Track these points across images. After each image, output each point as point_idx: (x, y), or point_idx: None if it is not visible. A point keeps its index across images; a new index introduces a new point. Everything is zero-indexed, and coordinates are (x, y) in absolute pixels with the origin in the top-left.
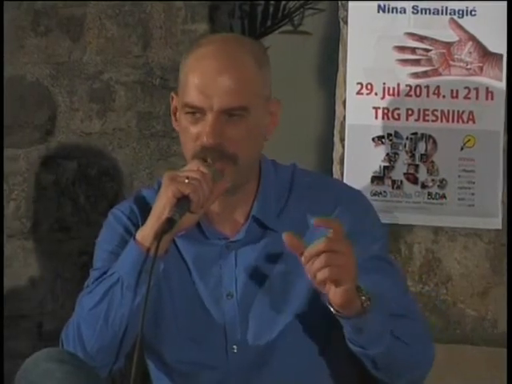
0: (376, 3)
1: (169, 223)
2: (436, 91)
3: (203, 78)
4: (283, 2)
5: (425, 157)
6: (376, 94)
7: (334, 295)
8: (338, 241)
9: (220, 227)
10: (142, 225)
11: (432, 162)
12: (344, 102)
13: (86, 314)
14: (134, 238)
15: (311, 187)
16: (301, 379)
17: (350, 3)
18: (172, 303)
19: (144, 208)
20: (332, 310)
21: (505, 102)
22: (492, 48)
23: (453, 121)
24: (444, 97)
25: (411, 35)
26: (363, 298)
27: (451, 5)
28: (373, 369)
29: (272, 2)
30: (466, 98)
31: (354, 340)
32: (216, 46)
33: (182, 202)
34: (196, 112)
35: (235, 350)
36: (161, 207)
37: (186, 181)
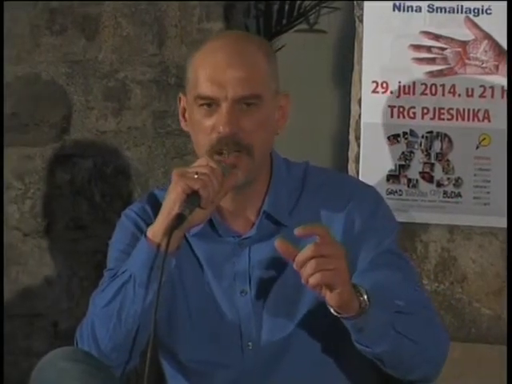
0: (392, 2)
1: (178, 219)
2: (451, 90)
3: (215, 69)
4: (298, 1)
5: (440, 155)
6: (391, 92)
7: (330, 298)
8: (326, 245)
9: (232, 224)
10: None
11: (447, 160)
12: (359, 101)
13: (99, 312)
14: (145, 236)
15: (324, 184)
16: (315, 375)
17: (366, 2)
18: (186, 302)
19: (157, 207)
20: (332, 311)
21: None
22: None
23: (468, 119)
24: (459, 95)
25: (427, 34)
26: (361, 298)
27: (467, 3)
28: (382, 366)
29: (287, 1)
30: (481, 96)
31: (357, 339)
32: (224, 40)
33: (192, 198)
34: (210, 103)
35: (250, 347)
36: (170, 203)
37: (196, 176)
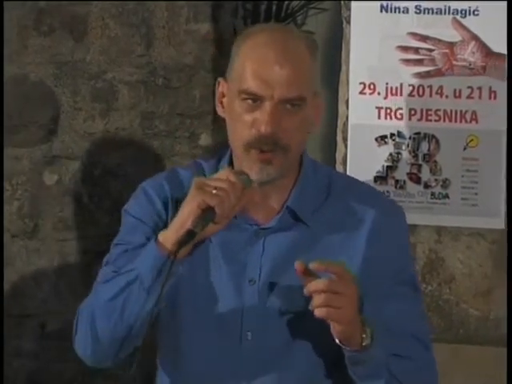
0: (379, 3)
1: (189, 235)
2: (439, 91)
3: (263, 66)
4: (286, 2)
5: (428, 156)
6: (379, 93)
7: (333, 329)
8: (340, 282)
9: (252, 213)
10: (172, 202)
11: (435, 161)
12: (347, 102)
13: (102, 305)
14: (156, 238)
15: (351, 191)
16: (315, 372)
17: (353, 3)
18: (192, 281)
19: (177, 187)
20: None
21: (507, 102)
22: (495, 48)
23: (456, 120)
24: (447, 96)
25: (414, 35)
26: (364, 335)
27: (454, 5)
28: None
29: (275, 2)
30: (469, 97)
31: (350, 369)
32: (273, 34)
33: (207, 214)
34: (254, 99)
35: (249, 337)
36: (185, 216)
37: (214, 191)
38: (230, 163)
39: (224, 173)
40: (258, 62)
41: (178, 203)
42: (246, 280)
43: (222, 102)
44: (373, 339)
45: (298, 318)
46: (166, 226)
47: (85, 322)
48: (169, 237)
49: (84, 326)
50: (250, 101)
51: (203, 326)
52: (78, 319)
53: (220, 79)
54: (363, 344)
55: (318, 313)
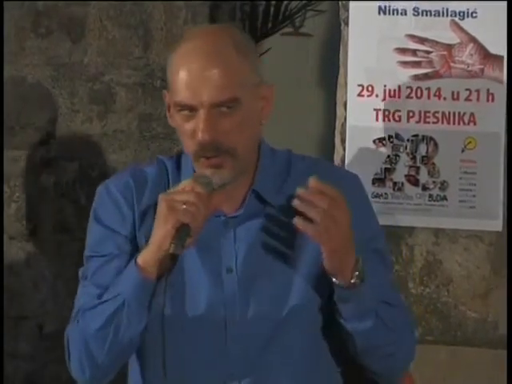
0: (377, 5)
1: (172, 260)
2: (437, 93)
3: (189, 75)
4: (284, 4)
5: (426, 159)
6: (377, 95)
7: (324, 256)
8: (337, 207)
9: (218, 205)
10: (137, 201)
11: (433, 163)
12: (345, 104)
13: (93, 333)
14: (136, 261)
15: (309, 168)
16: (301, 360)
17: (351, 4)
18: (170, 281)
19: (141, 184)
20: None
21: (506, 104)
22: (493, 50)
23: (454, 123)
24: (445, 99)
25: (412, 37)
26: (356, 273)
27: (452, 6)
28: (354, 350)
29: (273, 3)
30: (467, 99)
31: (340, 309)
32: (198, 41)
33: (182, 231)
34: (190, 109)
35: (233, 326)
36: (161, 237)
37: (184, 207)
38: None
39: (189, 184)
40: (184, 73)
41: (143, 201)
42: (223, 270)
43: (170, 112)
44: (363, 280)
45: (279, 303)
46: (134, 227)
47: (78, 350)
48: (148, 260)
49: (78, 352)
50: (186, 111)
51: (186, 320)
52: (69, 344)
53: (165, 91)
54: (352, 281)
55: (311, 230)
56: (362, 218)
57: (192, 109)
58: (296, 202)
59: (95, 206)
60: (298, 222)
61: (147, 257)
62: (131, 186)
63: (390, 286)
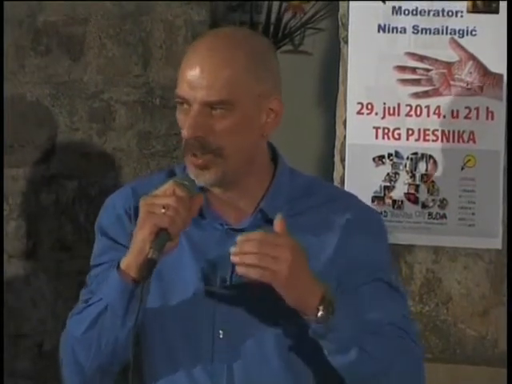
0: (376, 23)
1: (150, 264)
2: (436, 111)
3: (191, 70)
4: (284, 22)
5: (425, 177)
6: (376, 113)
7: (283, 296)
8: (273, 246)
9: (222, 213)
10: (135, 210)
11: (432, 181)
12: (344, 122)
13: (79, 338)
14: (118, 265)
15: (330, 199)
16: (289, 369)
17: (351, 22)
18: (162, 284)
19: (145, 192)
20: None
21: (505, 122)
22: (492, 68)
23: (453, 140)
24: (444, 117)
25: (411, 55)
26: (321, 307)
27: (451, 24)
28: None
29: (273, 22)
30: (466, 117)
31: (322, 344)
32: (211, 40)
33: (161, 236)
34: (187, 103)
35: (221, 336)
36: (140, 243)
37: (163, 210)
38: None
39: (169, 187)
40: (188, 67)
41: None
42: (218, 279)
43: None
44: (333, 313)
45: (269, 316)
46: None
47: (67, 355)
48: (130, 264)
49: (66, 359)
50: (184, 105)
51: (175, 325)
52: (61, 349)
53: None
54: (318, 315)
55: (252, 272)
56: (375, 258)
57: (188, 103)
58: (232, 258)
59: (99, 218)
60: (239, 269)
61: (129, 261)
62: (130, 197)
63: (395, 318)
